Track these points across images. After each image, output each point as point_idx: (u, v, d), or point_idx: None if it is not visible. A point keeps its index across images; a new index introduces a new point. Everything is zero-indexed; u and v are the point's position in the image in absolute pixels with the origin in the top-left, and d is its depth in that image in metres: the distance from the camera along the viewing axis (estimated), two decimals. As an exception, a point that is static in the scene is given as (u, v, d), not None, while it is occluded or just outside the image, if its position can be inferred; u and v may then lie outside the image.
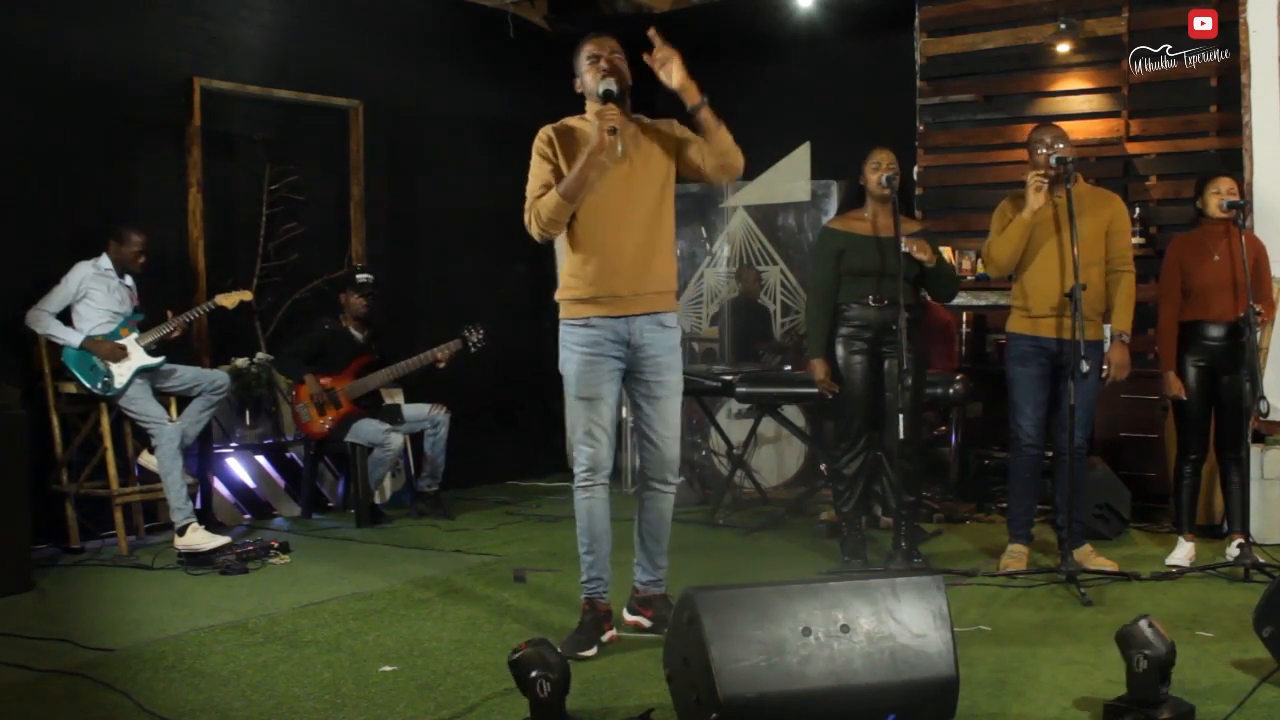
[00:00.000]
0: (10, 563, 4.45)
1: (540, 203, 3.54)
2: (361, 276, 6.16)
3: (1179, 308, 4.75)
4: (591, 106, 3.63)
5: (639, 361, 3.65)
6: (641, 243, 3.59)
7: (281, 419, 6.33)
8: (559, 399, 3.68)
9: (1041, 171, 4.43)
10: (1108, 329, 4.70)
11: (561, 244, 3.72)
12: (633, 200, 3.58)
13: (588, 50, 3.60)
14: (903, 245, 4.48)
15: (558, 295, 3.69)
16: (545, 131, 3.64)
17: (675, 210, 3.75)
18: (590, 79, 3.58)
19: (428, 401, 6.25)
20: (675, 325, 3.73)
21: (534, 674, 2.69)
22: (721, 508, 6.10)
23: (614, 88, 3.48)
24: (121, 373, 5.15)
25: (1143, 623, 2.84)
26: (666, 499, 3.80)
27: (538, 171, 3.60)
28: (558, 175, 3.55)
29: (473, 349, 6.19)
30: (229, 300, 5.57)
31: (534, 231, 3.61)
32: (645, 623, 3.81)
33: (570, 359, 3.63)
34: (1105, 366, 4.58)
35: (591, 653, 3.55)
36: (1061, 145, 4.46)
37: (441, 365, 6.10)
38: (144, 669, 3.47)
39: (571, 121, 3.67)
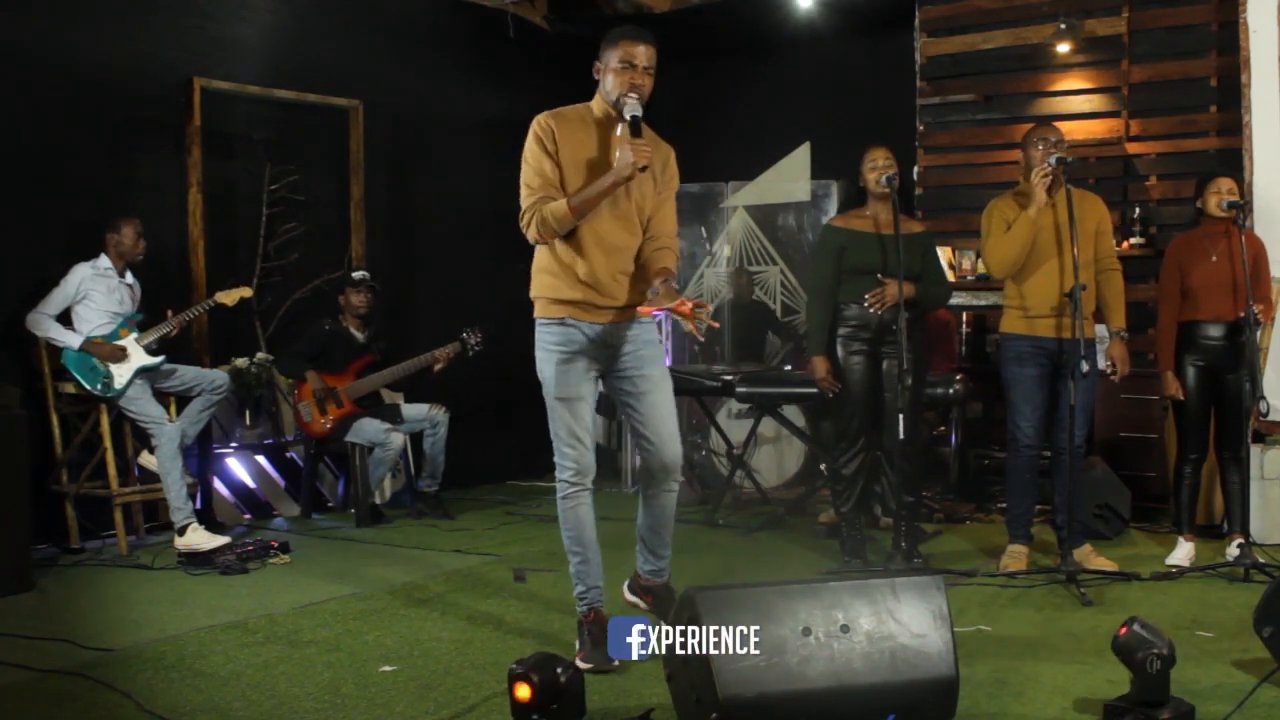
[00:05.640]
0: (10, 563, 4.45)
1: (549, 209, 3.37)
2: (357, 274, 6.19)
3: (1178, 308, 4.75)
4: (600, 103, 3.48)
5: (618, 360, 3.53)
6: (627, 255, 3.49)
7: (281, 419, 6.33)
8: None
9: (1047, 170, 4.42)
10: (1100, 328, 4.72)
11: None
12: (624, 211, 3.47)
13: (623, 52, 3.37)
14: (865, 299, 4.58)
15: (533, 293, 3.54)
16: (544, 120, 3.43)
17: (675, 210, 3.68)
18: (613, 85, 3.39)
19: (427, 401, 6.25)
20: (651, 322, 3.62)
21: None
22: (721, 508, 6.10)
23: (640, 113, 3.35)
24: (121, 373, 5.15)
25: (1136, 625, 2.84)
26: (668, 497, 3.67)
27: (536, 164, 3.40)
28: (555, 168, 3.41)
29: (471, 352, 6.19)
30: (229, 297, 5.56)
31: (531, 234, 3.44)
32: (644, 605, 3.74)
33: (547, 360, 3.52)
34: (1110, 363, 4.59)
35: (618, 663, 3.37)
36: (1061, 145, 4.47)
37: (438, 368, 6.10)
38: (144, 669, 3.47)
39: (568, 112, 3.50)
